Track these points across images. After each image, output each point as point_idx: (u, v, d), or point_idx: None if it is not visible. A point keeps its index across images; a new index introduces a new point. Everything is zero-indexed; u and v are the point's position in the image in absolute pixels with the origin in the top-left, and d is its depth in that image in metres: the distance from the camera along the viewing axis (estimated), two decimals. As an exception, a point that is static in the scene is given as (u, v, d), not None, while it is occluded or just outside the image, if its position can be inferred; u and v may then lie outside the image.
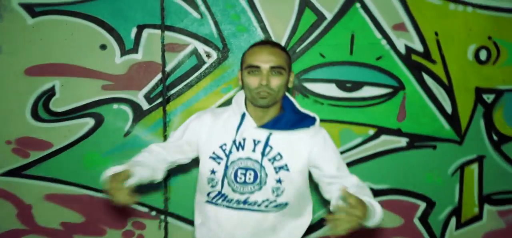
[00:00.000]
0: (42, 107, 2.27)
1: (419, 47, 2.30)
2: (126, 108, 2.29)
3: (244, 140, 1.46)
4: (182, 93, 2.28)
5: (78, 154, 2.32)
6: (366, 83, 2.32)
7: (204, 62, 2.23)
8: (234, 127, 1.48)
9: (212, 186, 1.48)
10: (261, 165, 1.45)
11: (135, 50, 2.24)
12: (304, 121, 1.48)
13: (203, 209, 1.54)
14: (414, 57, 2.30)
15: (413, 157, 2.40)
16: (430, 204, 2.47)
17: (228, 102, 2.26)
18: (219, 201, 1.48)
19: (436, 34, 2.29)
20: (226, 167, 1.47)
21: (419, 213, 2.48)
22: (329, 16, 2.25)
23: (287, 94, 1.55)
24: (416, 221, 2.49)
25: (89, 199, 2.37)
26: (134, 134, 2.31)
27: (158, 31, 2.22)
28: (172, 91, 2.27)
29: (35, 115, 2.28)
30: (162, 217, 2.35)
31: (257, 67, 1.39)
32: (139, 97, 2.29)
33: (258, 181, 1.46)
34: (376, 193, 2.38)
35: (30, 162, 2.33)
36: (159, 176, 1.47)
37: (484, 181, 2.47)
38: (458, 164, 2.44)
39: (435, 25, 2.29)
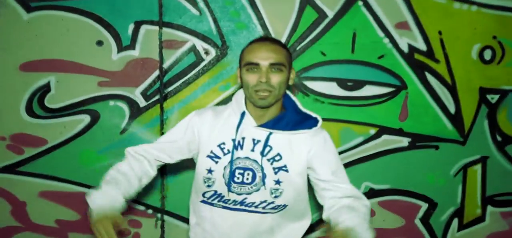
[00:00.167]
0: (37, 103, 2.26)
1: (422, 46, 2.29)
2: (123, 105, 2.29)
3: (243, 139, 1.45)
4: (180, 90, 2.26)
5: (74, 151, 2.31)
6: (367, 82, 2.31)
7: (202, 60, 2.21)
8: (233, 126, 1.46)
9: (208, 186, 1.46)
10: (260, 165, 1.43)
11: (132, 46, 2.23)
12: (306, 122, 1.46)
13: (198, 208, 1.52)
14: (417, 56, 2.29)
15: (414, 157, 2.40)
16: (432, 205, 2.47)
17: (226, 101, 2.25)
18: (215, 201, 1.46)
19: (440, 33, 2.28)
20: (224, 167, 1.45)
21: (420, 214, 2.48)
22: (330, 14, 2.24)
23: (289, 93, 1.54)
24: (418, 222, 2.50)
25: (85, 196, 2.33)
26: (131, 131, 2.30)
27: (156, 28, 2.22)
28: (170, 89, 2.26)
29: (30, 111, 2.27)
30: (159, 215, 2.34)
31: (256, 64, 1.36)
32: (136, 94, 2.28)
33: (256, 181, 1.43)
34: (377, 193, 2.46)
35: (25, 159, 2.32)
36: (145, 182, 1.45)
37: (487, 182, 2.47)
38: (460, 164, 2.43)
39: (439, 24, 2.28)
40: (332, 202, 1.41)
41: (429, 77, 2.31)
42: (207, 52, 2.20)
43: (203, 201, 1.47)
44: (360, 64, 2.30)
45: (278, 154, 1.43)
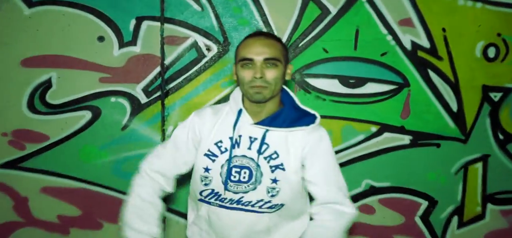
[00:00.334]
0: (39, 99, 2.26)
1: (425, 43, 2.28)
2: (124, 102, 2.29)
3: (240, 137, 1.44)
4: (181, 87, 2.26)
5: (75, 147, 2.32)
6: (370, 80, 2.31)
7: (204, 56, 2.21)
8: (231, 124, 1.45)
9: (206, 184, 1.46)
10: (256, 164, 1.42)
11: (133, 42, 2.23)
12: (303, 119, 1.45)
13: (195, 207, 1.53)
14: (420, 53, 2.29)
15: (416, 155, 2.40)
16: (432, 203, 2.48)
17: (228, 97, 2.23)
18: (212, 200, 1.45)
19: (444, 30, 2.27)
20: (221, 165, 1.44)
21: (420, 211, 2.49)
22: (333, 10, 2.24)
23: (287, 89, 1.52)
24: (417, 220, 2.50)
25: (86, 192, 2.38)
26: (132, 127, 2.31)
27: (158, 24, 2.21)
28: (171, 85, 2.26)
29: (31, 107, 2.27)
30: (161, 211, 2.36)
31: (251, 59, 1.35)
32: (137, 91, 2.28)
33: (253, 180, 1.43)
34: (377, 191, 2.46)
35: (27, 154, 2.33)
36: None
37: (488, 180, 2.47)
38: (462, 162, 2.43)
39: (443, 21, 2.26)
40: (314, 209, 1.44)
41: (432, 75, 2.31)
42: (209, 49, 2.20)
43: (200, 200, 1.47)
44: (362, 62, 2.29)
45: (275, 152, 1.41)
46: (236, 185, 1.43)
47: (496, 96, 2.37)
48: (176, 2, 2.19)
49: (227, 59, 2.24)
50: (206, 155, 1.44)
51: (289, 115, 1.44)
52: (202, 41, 2.22)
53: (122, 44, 2.22)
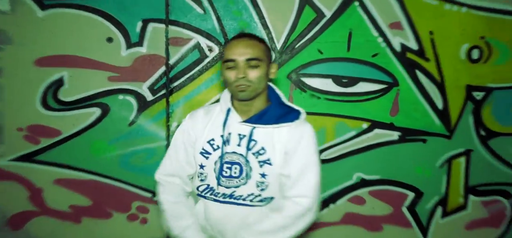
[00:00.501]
0: (52, 97, 2.29)
1: (414, 45, 2.31)
2: (131, 99, 2.32)
3: (230, 134, 1.46)
4: (185, 85, 2.30)
5: (86, 141, 2.34)
6: (361, 79, 2.33)
7: (206, 56, 2.25)
8: (221, 123, 1.48)
9: (202, 180, 1.50)
10: (245, 159, 1.44)
11: (140, 43, 2.25)
12: (288, 115, 1.46)
13: (195, 201, 1.58)
14: (409, 55, 2.32)
15: (404, 150, 2.42)
16: (418, 194, 2.50)
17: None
18: (208, 194, 1.49)
19: (431, 33, 2.30)
20: (214, 162, 1.47)
21: (407, 202, 2.51)
22: (328, 13, 2.26)
23: (273, 86, 1.54)
24: (405, 210, 2.52)
25: (96, 184, 2.40)
26: (139, 123, 2.34)
27: (163, 26, 2.24)
28: (175, 84, 2.29)
29: (45, 104, 2.30)
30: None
31: (233, 60, 1.37)
32: (144, 89, 2.31)
33: (243, 175, 1.45)
34: (367, 183, 2.48)
35: (41, 148, 2.35)
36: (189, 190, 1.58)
37: (470, 174, 2.49)
38: (446, 157, 2.46)
39: (430, 24, 2.30)
40: (280, 202, 1.46)
41: (420, 75, 2.34)
42: (210, 50, 2.25)
43: (198, 194, 1.52)
44: (355, 62, 2.32)
45: (263, 148, 1.43)
46: (228, 180, 1.46)
47: (479, 95, 2.40)
48: (180, 5, 2.22)
49: (227, 59, 2.30)
50: (201, 153, 1.49)
51: (275, 113, 1.45)
52: (204, 42, 2.26)
53: (129, 45, 2.25)
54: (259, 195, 1.45)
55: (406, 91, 2.36)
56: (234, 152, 1.45)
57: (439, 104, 2.40)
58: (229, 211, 1.47)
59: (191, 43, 2.26)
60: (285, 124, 1.43)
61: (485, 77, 2.37)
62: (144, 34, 2.25)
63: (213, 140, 1.48)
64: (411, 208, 2.53)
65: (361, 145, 2.43)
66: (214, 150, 1.48)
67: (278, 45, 2.29)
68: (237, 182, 1.45)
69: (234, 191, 1.46)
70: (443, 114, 2.41)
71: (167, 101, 2.32)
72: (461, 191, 2.53)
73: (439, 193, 2.52)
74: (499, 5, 2.29)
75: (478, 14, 2.30)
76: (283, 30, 2.27)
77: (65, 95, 2.30)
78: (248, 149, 1.44)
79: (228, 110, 1.48)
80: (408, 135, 2.42)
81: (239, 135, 1.45)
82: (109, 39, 2.25)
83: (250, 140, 1.44)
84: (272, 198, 1.46)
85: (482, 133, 2.45)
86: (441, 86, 2.37)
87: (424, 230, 2.56)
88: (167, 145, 2.30)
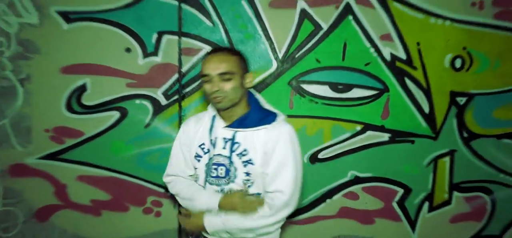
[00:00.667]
0: (75, 101, 2.34)
1: (402, 55, 2.37)
2: (147, 104, 2.37)
3: (216, 138, 1.52)
4: (196, 91, 2.36)
5: (106, 141, 2.39)
6: (355, 86, 2.39)
7: None
8: (208, 128, 1.55)
9: (196, 180, 1.59)
10: (230, 160, 1.48)
11: (155, 53, 2.31)
12: (267, 118, 1.49)
13: None
14: (398, 64, 2.38)
15: (394, 150, 2.47)
16: (407, 190, 2.54)
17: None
18: None
19: (418, 44, 2.37)
20: (205, 164, 1.54)
21: (397, 197, 2.55)
22: (325, 26, 2.33)
23: (254, 92, 1.58)
24: (395, 205, 2.57)
25: (115, 180, 2.45)
26: (154, 125, 2.39)
27: (176, 37, 2.29)
28: (187, 89, 2.35)
29: (69, 108, 2.35)
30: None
31: (207, 75, 1.41)
32: (158, 94, 2.36)
33: (229, 175, 1.50)
34: (361, 180, 2.52)
35: (65, 148, 2.39)
36: None
37: (454, 172, 2.53)
38: (432, 156, 2.50)
39: (417, 36, 2.36)
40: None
41: (408, 82, 2.40)
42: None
43: None
44: (349, 70, 2.37)
45: (245, 149, 1.47)
46: (216, 180, 1.52)
47: (462, 100, 2.45)
48: (191, 19, 2.28)
49: (234, 68, 2.37)
50: (195, 156, 1.57)
51: (255, 117, 1.49)
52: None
53: (145, 55, 2.31)
54: (247, 191, 1.51)
55: (396, 96, 2.42)
56: (220, 154, 1.50)
57: (426, 108, 2.45)
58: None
59: (202, 53, 2.31)
60: (263, 126, 1.47)
61: (467, 84, 2.44)
62: (159, 45, 2.30)
63: (203, 144, 1.54)
64: (401, 203, 2.57)
65: (355, 145, 2.47)
66: (205, 153, 1.54)
67: (280, 55, 2.35)
68: (225, 181, 1.51)
69: (223, 189, 1.52)
70: (429, 118, 2.46)
71: (180, 106, 2.37)
72: (446, 188, 2.57)
73: (426, 189, 2.56)
74: (479, 19, 2.36)
75: (461, 27, 2.36)
76: (284, 41, 2.34)
77: (88, 100, 2.34)
78: (232, 151, 1.48)
79: (213, 117, 1.55)
80: (398, 136, 2.47)
81: (224, 138, 1.50)
82: (128, 50, 2.30)
83: (233, 142, 1.48)
84: (258, 194, 1.51)
85: (465, 134, 2.50)
86: (427, 92, 2.43)
87: (412, 223, 2.61)
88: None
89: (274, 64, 2.37)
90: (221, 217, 1.46)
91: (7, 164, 2.42)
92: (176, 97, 2.37)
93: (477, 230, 2.68)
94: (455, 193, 2.60)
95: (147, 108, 2.40)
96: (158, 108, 2.40)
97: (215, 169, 1.51)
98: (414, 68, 2.41)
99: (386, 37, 2.37)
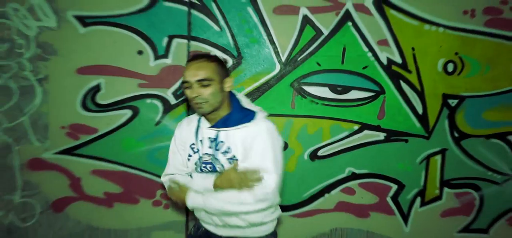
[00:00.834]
0: (90, 100, 2.38)
1: (398, 59, 2.43)
2: (157, 103, 2.41)
3: (202, 138, 1.58)
4: None
5: (118, 138, 2.43)
6: (353, 88, 2.44)
7: None
8: (195, 129, 1.62)
9: (190, 177, 1.65)
10: (215, 158, 1.55)
11: (166, 55, 2.36)
12: (246, 117, 1.53)
13: None
14: (394, 67, 2.44)
15: (389, 148, 2.53)
16: (401, 186, 2.59)
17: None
18: None
19: (413, 49, 2.42)
20: (195, 162, 1.61)
21: (391, 193, 2.60)
22: (325, 32, 2.39)
23: (236, 93, 1.63)
24: (389, 200, 2.62)
25: (126, 174, 2.49)
26: (164, 123, 2.44)
27: (185, 41, 2.34)
28: None
29: (84, 106, 2.39)
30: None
31: (187, 82, 1.45)
32: (168, 94, 2.41)
33: (216, 172, 1.57)
34: (357, 176, 2.57)
35: (80, 144, 2.43)
36: None
37: (445, 169, 2.58)
38: (425, 155, 2.55)
39: (412, 41, 2.41)
40: None
41: (403, 84, 2.46)
42: (226, 61, 2.11)
43: None
44: (348, 73, 2.43)
45: (228, 147, 1.53)
46: None
47: (453, 102, 2.50)
48: (200, 24, 2.33)
49: (240, 70, 2.38)
50: (188, 156, 1.64)
51: (236, 116, 1.54)
52: (220, 55, 2.34)
53: (156, 57, 2.35)
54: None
55: (391, 98, 2.47)
56: (206, 153, 1.57)
57: (419, 109, 2.50)
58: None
59: (209, 56, 2.39)
60: (243, 125, 1.52)
61: (459, 87, 2.49)
62: (169, 48, 2.35)
63: (194, 144, 1.61)
64: (394, 198, 2.63)
65: (353, 143, 2.52)
66: (195, 152, 1.61)
67: (283, 58, 2.41)
68: None
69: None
70: (422, 119, 2.51)
71: (188, 105, 2.42)
72: (437, 184, 2.62)
73: (418, 185, 2.62)
74: (471, 26, 2.43)
75: (453, 33, 2.42)
76: (287, 45, 2.40)
77: (102, 99, 2.39)
78: (216, 149, 1.54)
79: (199, 119, 1.61)
80: (393, 135, 2.52)
81: (209, 138, 1.57)
82: (140, 52, 2.35)
83: (217, 142, 1.54)
84: None
85: (456, 134, 2.55)
86: (421, 95, 2.49)
87: (405, 217, 2.66)
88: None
89: (278, 67, 2.42)
90: (204, 196, 1.49)
91: (25, 158, 2.46)
92: (184, 97, 2.33)
93: (466, 224, 2.72)
94: (446, 189, 2.65)
95: (157, 107, 2.44)
96: (168, 107, 2.45)
97: (204, 166, 1.58)
98: (409, 71, 2.47)
99: (383, 43, 2.43)
